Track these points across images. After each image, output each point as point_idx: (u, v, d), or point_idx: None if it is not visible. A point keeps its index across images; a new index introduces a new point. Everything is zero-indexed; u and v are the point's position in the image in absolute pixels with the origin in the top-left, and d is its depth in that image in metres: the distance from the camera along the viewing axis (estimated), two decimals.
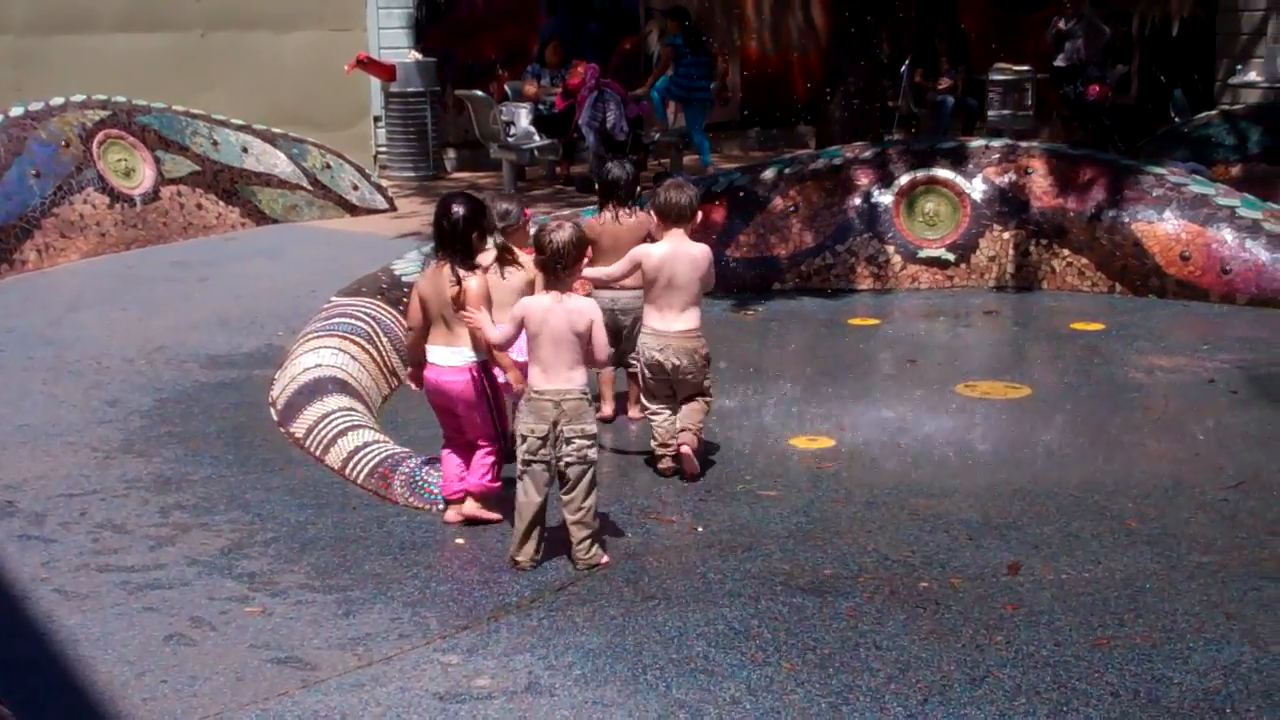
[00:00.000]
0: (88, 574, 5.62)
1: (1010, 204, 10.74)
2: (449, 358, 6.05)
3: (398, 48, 16.64)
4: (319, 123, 15.69)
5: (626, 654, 4.88)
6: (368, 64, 16.01)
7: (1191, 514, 6.16)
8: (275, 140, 13.87)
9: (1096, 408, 7.77)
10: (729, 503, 6.39)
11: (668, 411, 6.73)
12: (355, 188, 14.25)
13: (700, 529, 6.10)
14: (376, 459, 6.55)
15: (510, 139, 15.38)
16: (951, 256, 10.79)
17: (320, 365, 7.55)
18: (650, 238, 7.05)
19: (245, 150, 13.54)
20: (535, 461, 5.65)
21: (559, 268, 5.71)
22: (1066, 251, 10.62)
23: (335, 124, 16.18)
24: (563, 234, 5.70)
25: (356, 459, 6.61)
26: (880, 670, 4.72)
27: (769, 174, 11.06)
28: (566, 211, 11.43)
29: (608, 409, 7.54)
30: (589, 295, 6.45)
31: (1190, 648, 4.85)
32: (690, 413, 6.74)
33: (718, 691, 4.60)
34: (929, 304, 10.38)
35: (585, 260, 5.93)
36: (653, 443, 6.79)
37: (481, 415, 6.07)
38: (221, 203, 13.24)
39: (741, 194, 10.99)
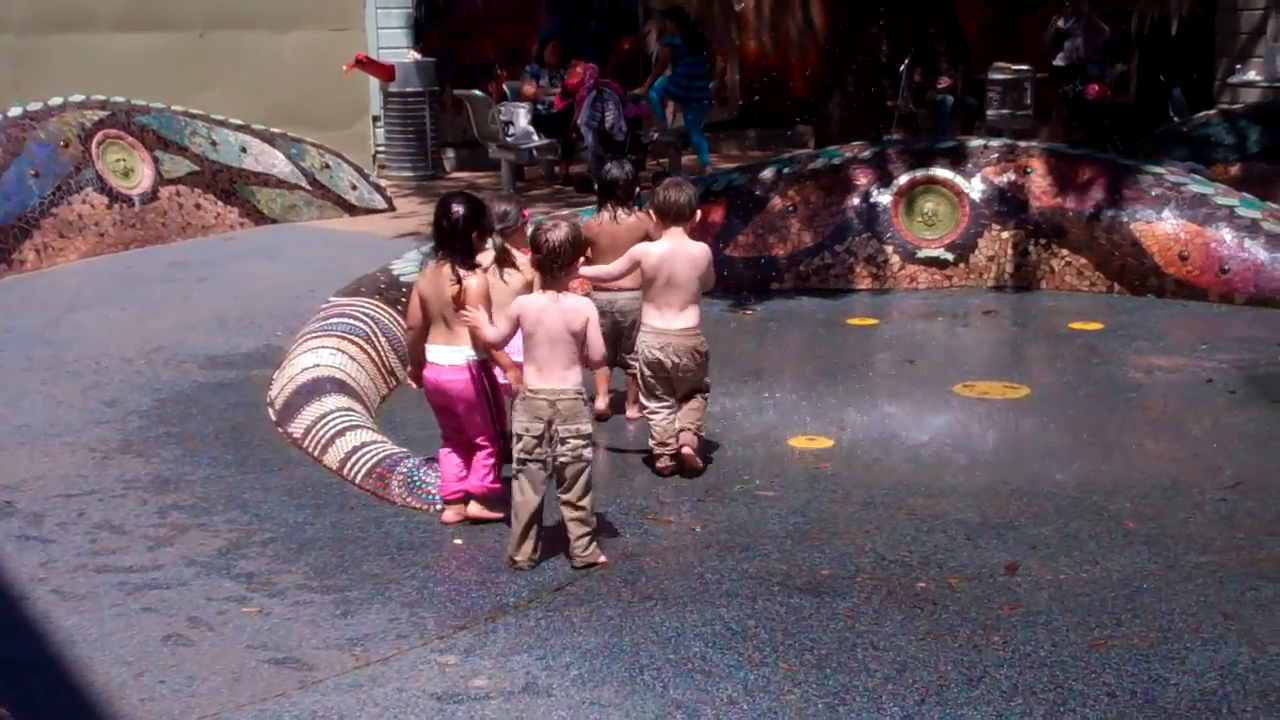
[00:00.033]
0: (85, 574, 5.62)
1: (1009, 203, 10.74)
2: (449, 357, 6.05)
3: (396, 47, 16.64)
4: (318, 122, 15.69)
5: (624, 654, 4.88)
6: (366, 64, 16.00)
7: (1189, 514, 6.17)
8: (274, 140, 13.87)
9: (1095, 408, 7.77)
10: (727, 503, 6.39)
11: (666, 411, 6.73)
12: (354, 187, 14.25)
13: (698, 529, 6.10)
14: (374, 459, 6.56)
15: (509, 139, 15.38)
16: (950, 256, 10.79)
17: (318, 365, 7.55)
18: (648, 237, 7.06)
19: (244, 150, 13.54)
20: (531, 461, 5.65)
21: (555, 267, 5.72)
22: (1065, 251, 10.62)
23: (334, 124, 16.19)
24: (558, 233, 5.71)
25: (354, 459, 6.61)
26: (877, 671, 4.72)
27: (768, 174, 11.06)
28: (565, 211, 11.44)
29: (602, 403, 7.54)
30: (587, 295, 6.45)
31: (1187, 648, 4.86)
32: (689, 412, 6.76)
33: (715, 692, 4.60)
34: (927, 304, 10.37)
35: (581, 260, 5.94)
36: (651, 442, 6.79)
37: (481, 415, 6.08)
38: (220, 203, 13.24)
39: (740, 194, 10.99)
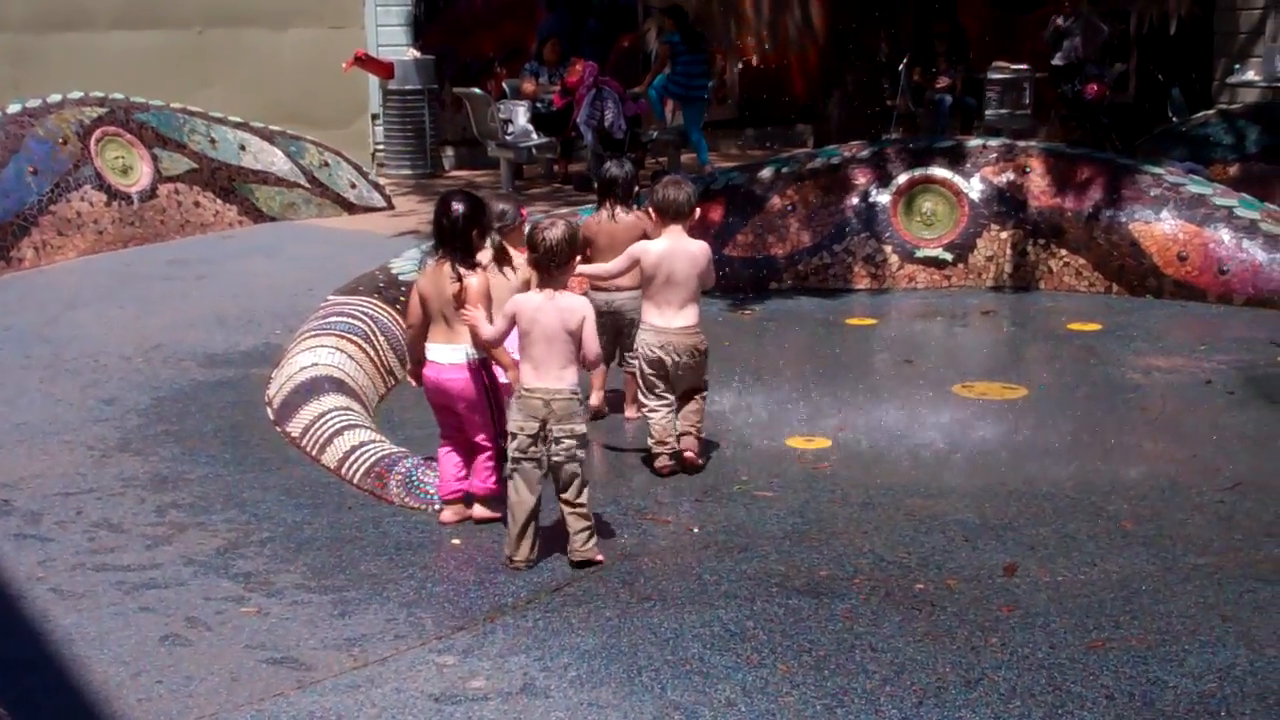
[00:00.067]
0: (84, 573, 5.62)
1: (1008, 203, 10.74)
2: (449, 355, 6.05)
3: (396, 45, 16.63)
4: (317, 120, 15.69)
5: (622, 655, 4.88)
6: (366, 61, 15.99)
7: (1188, 515, 6.17)
8: (273, 138, 13.86)
9: (1093, 408, 7.77)
10: (725, 503, 6.39)
11: (665, 409, 6.74)
12: (353, 186, 14.24)
13: (696, 530, 6.10)
14: (373, 459, 6.55)
15: (508, 137, 15.37)
16: (949, 256, 10.79)
17: (317, 364, 7.55)
18: (646, 236, 7.07)
19: (243, 148, 13.53)
20: (525, 460, 5.65)
21: (552, 266, 5.72)
22: (1064, 251, 10.62)
23: (333, 122, 16.18)
24: (555, 231, 5.71)
25: (352, 459, 6.61)
26: (876, 672, 4.72)
27: (767, 173, 11.06)
28: (564, 210, 11.44)
29: (596, 399, 7.54)
30: (584, 295, 6.46)
31: (1186, 650, 4.86)
32: (689, 415, 6.79)
33: (713, 693, 4.60)
34: (926, 304, 10.38)
35: (578, 258, 5.94)
36: (650, 440, 6.80)
37: (482, 414, 6.07)
38: (219, 200, 13.24)
39: (739, 193, 10.99)
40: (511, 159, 15.45)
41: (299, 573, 5.63)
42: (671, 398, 6.76)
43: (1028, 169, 10.76)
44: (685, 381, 6.78)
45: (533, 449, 5.65)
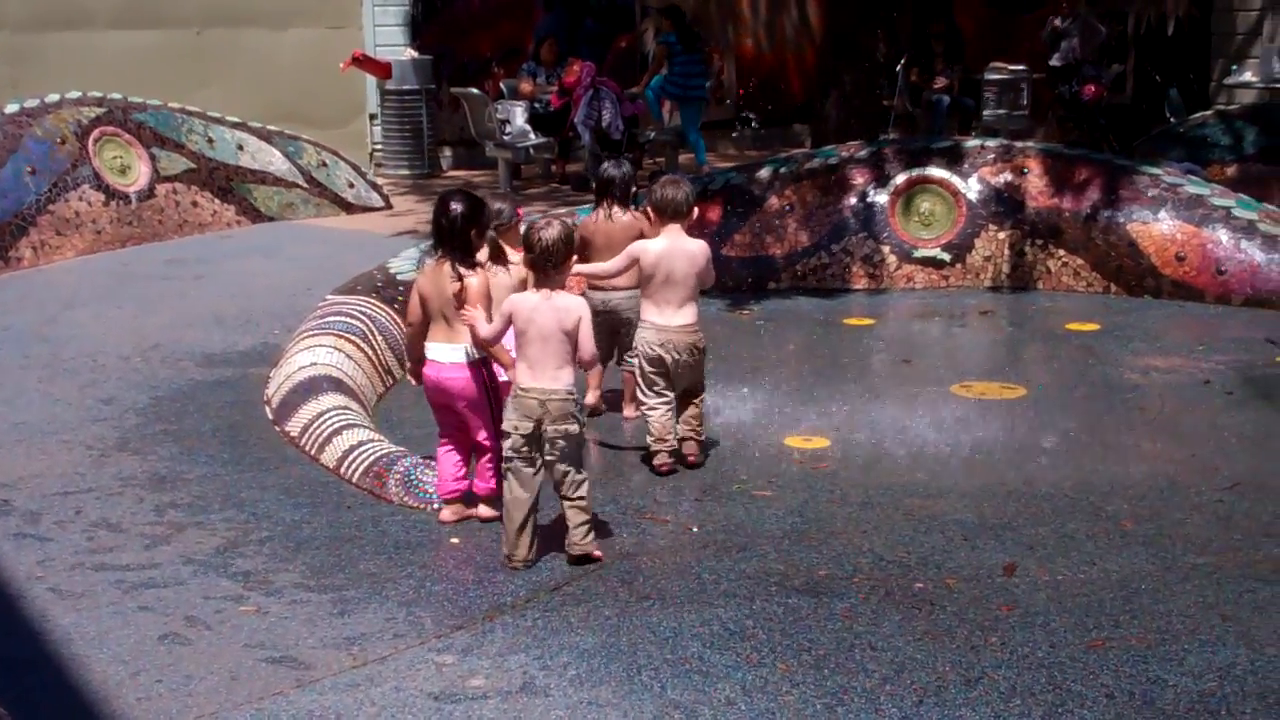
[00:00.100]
0: (83, 573, 5.61)
1: (1006, 204, 10.74)
2: (450, 354, 6.06)
3: (394, 45, 16.61)
4: (315, 120, 15.67)
5: (621, 654, 4.88)
6: (363, 61, 15.98)
7: (1187, 515, 6.17)
8: (271, 138, 13.85)
9: (1092, 408, 7.77)
10: (724, 503, 6.39)
11: (665, 406, 6.76)
12: (351, 185, 14.24)
13: (695, 529, 6.10)
14: (371, 458, 6.55)
15: (506, 137, 15.36)
16: (947, 256, 10.79)
17: (315, 364, 7.55)
18: (643, 236, 7.09)
19: (241, 148, 13.52)
20: (520, 459, 5.65)
21: (548, 265, 5.72)
22: (1062, 252, 10.62)
23: (331, 121, 16.16)
24: (551, 231, 5.71)
25: (351, 458, 6.61)
26: (875, 671, 4.73)
27: (764, 173, 11.06)
28: (562, 210, 11.43)
29: (592, 397, 7.54)
30: (582, 294, 6.47)
31: (1185, 649, 4.86)
32: (689, 419, 6.85)
33: (713, 692, 4.60)
34: (924, 304, 10.38)
35: (575, 258, 5.94)
36: (649, 438, 6.81)
37: (482, 413, 6.08)
38: (217, 200, 13.23)
39: (737, 193, 10.98)
40: (509, 159, 15.44)
41: (298, 572, 5.63)
42: (671, 395, 6.77)
43: (1025, 169, 10.76)
44: (684, 380, 6.80)
45: (525, 449, 5.65)
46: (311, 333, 7.98)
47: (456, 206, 6.00)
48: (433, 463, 6.30)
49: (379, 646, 4.97)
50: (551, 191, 15.42)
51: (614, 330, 7.30)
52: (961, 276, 10.78)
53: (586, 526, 5.68)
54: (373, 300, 8.50)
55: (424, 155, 16.47)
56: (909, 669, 4.74)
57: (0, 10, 14.92)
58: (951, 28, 17.11)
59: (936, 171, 10.86)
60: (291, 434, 7.09)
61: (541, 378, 5.66)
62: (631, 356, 7.19)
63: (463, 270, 5.96)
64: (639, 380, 6.88)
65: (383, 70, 16.12)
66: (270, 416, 7.40)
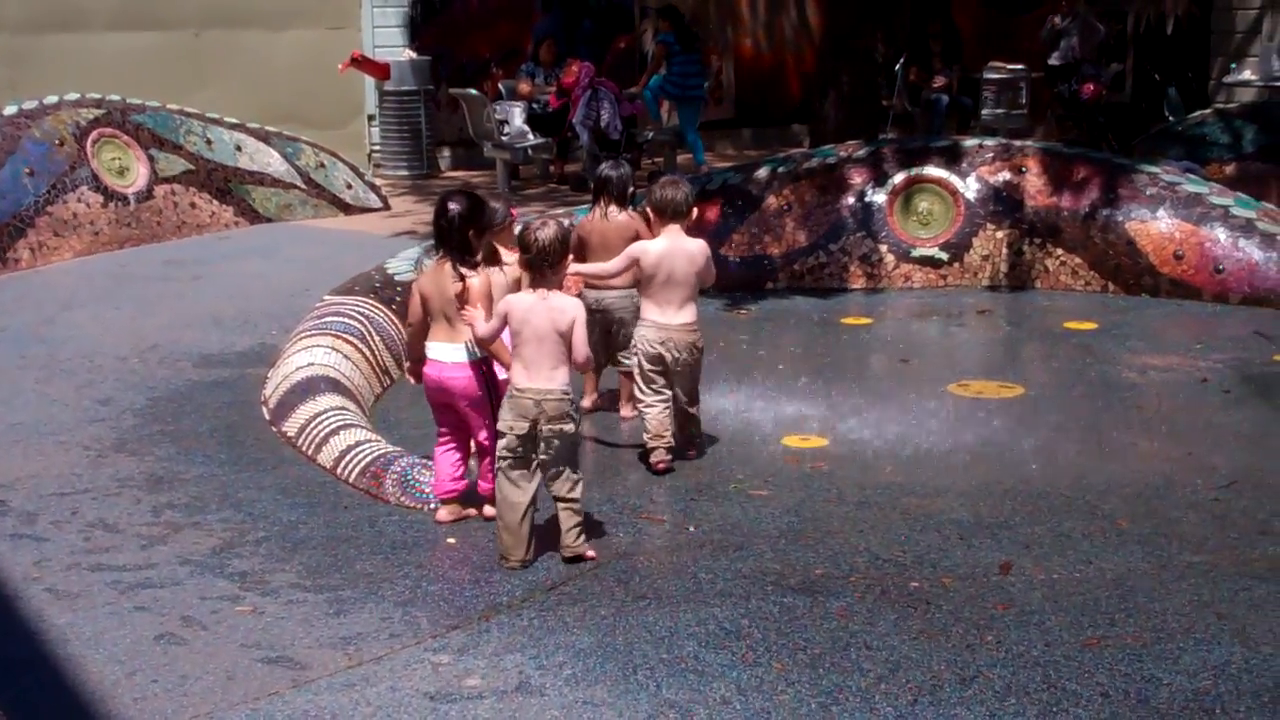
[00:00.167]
0: (79, 573, 5.62)
1: (1004, 203, 10.73)
2: (451, 354, 6.06)
3: (392, 46, 16.62)
4: (313, 121, 15.67)
5: (617, 654, 4.88)
6: (362, 62, 15.99)
7: (1183, 513, 6.17)
8: (269, 139, 13.85)
9: (1089, 407, 7.77)
10: (720, 502, 6.39)
11: (662, 404, 6.77)
12: (349, 186, 14.24)
13: (691, 528, 6.10)
14: (368, 458, 6.55)
15: (504, 138, 15.37)
16: (945, 255, 10.79)
17: (313, 364, 7.55)
18: (638, 237, 7.11)
19: (239, 149, 13.52)
20: (515, 459, 5.65)
21: (544, 265, 5.72)
22: (1060, 250, 10.62)
23: (329, 122, 16.16)
24: (547, 231, 5.71)
25: (348, 458, 6.61)
26: (870, 670, 4.73)
27: (763, 173, 11.06)
28: (560, 211, 11.43)
29: (587, 402, 7.55)
30: (579, 295, 6.48)
31: (1181, 648, 4.86)
32: (685, 427, 6.92)
33: (708, 691, 4.60)
34: (922, 303, 10.38)
35: (571, 257, 5.95)
36: (646, 435, 6.82)
37: (483, 412, 6.08)
38: (215, 201, 13.22)
39: (735, 193, 10.98)
40: (508, 160, 15.45)
41: (294, 572, 5.63)
42: (668, 394, 6.79)
43: (1024, 168, 10.76)
44: (683, 379, 6.82)
45: (520, 448, 5.65)
46: (309, 333, 7.99)
47: (454, 206, 6.02)
48: (430, 463, 6.30)
49: (375, 646, 4.97)
50: (550, 192, 15.42)
51: (607, 329, 7.31)
52: (959, 276, 10.78)
53: (579, 529, 5.68)
54: (370, 301, 8.50)
55: (422, 156, 16.48)
56: (904, 668, 4.74)
57: None
58: (950, 27, 17.11)
59: (935, 171, 10.86)
60: (289, 434, 7.09)
61: (537, 378, 5.66)
62: (627, 356, 7.20)
63: (464, 270, 5.97)
64: (637, 378, 6.90)
65: (381, 71, 16.12)
66: (267, 417, 7.40)
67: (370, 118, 16.89)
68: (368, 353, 8.01)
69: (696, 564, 5.66)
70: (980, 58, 17.01)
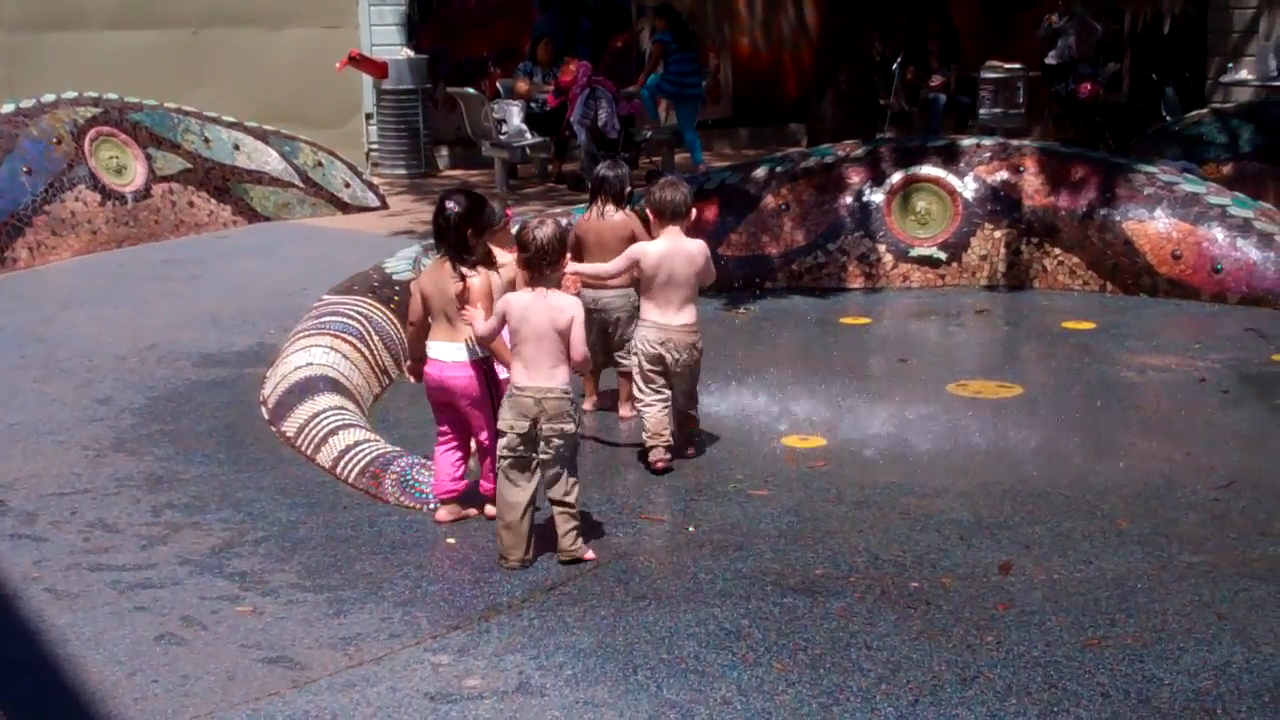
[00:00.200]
0: (79, 573, 5.61)
1: (1002, 202, 10.74)
2: (452, 353, 6.06)
3: (390, 45, 16.61)
4: (311, 120, 15.66)
5: (617, 654, 4.88)
6: (360, 61, 15.97)
7: (1182, 513, 6.18)
8: (267, 138, 13.84)
9: (1088, 407, 7.77)
10: (720, 502, 6.39)
11: (661, 403, 6.77)
12: (347, 185, 14.23)
13: (691, 528, 6.10)
14: (367, 458, 6.55)
15: (502, 137, 15.36)
16: (943, 255, 10.79)
17: (311, 364, 7.55)
18: (634, 236, 7.12)
19: (237, 148, 13.52)
20: (515, 458, 5.65)
21: (542, 264, 5.72)
22: (1058, 250, 10.62)
23: (327, 121, 16.15)
24: (545, 230, 5.71)
25: (347, 458, 6.61)
26: (871, 670, 4.73)
27: (760, 172, 11.06)
28: (558, 210, 11.43)
29: (589, 405, 7.55)
30: (577, 294, 6.48)
31: (1181, 648, 4.86)
32: (683, 426, 6.91)
33: (709, 692, 4.60)
34: (920, 303, 10.38)
35: (569, 256, 5.95)
36: (644, 434, 6.82)
37: (484, 411, 6.08)
38: (213, 200, 13.22)
39: (733, 192, 10.98)
40: (505, 159, 15.44)
41: (294, 572, 5.63)
42: (668, 393, 6.80)
43: (1021, 168, 10.76)
44: (682, 380, 6.83)
45: (521, 447, 5.65)
46: (308, 333, 7.98)
47: (452, 206, 6.02)
48: (429, 463, 6.30)
49: (375, 646, 4.97)
50: (548, 191, 15.42)
51: (604, 329, 7.32)
52: (958, 275, 10.78)
53: (575, 532, 5.68)
54: (369, 300, 8.49)
55: (420, 155, 16.47)
56: (905, 668, 4.74)
57: None
58: (947, 26, 17.11)
59: (933, 170, 10.86)
60: (288, 434, 7.09)
61: (537, 376, 5.66)
62: (625, 356, 7.21)
63: (465, 270, 5.97)
64: (636, 378, 6.90)
65: (379, 70, 16.11)
66: (266, 417, 7.40)
67: (368, 116, 16.88)
68: (366, 352, 8.01)
69: (696, 564, 5.66)
70: (977, 57, 17.00)
